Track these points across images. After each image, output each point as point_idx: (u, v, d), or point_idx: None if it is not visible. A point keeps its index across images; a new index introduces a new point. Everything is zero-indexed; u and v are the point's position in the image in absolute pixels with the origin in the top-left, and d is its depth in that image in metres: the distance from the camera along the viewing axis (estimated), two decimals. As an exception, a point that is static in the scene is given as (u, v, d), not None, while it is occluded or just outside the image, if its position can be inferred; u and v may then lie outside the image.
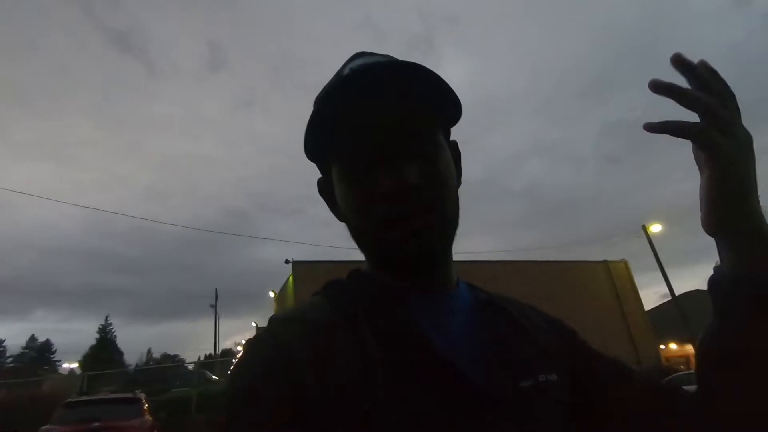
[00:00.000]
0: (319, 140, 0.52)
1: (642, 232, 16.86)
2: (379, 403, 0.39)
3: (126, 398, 7.24)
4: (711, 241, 0.48)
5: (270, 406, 0.39)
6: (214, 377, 17.62)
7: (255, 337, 0.48)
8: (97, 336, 49.64)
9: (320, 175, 0.60)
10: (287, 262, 15.27)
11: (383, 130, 0.49)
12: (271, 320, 0.49)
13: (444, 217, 0.51)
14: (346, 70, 0.53)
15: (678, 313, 17.50)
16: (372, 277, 0.55)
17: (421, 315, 0.49)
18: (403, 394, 0.41)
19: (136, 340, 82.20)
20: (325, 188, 0.59)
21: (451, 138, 0.59)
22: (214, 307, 28.42)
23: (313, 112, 0.50)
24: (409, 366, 0.43)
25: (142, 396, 7.64)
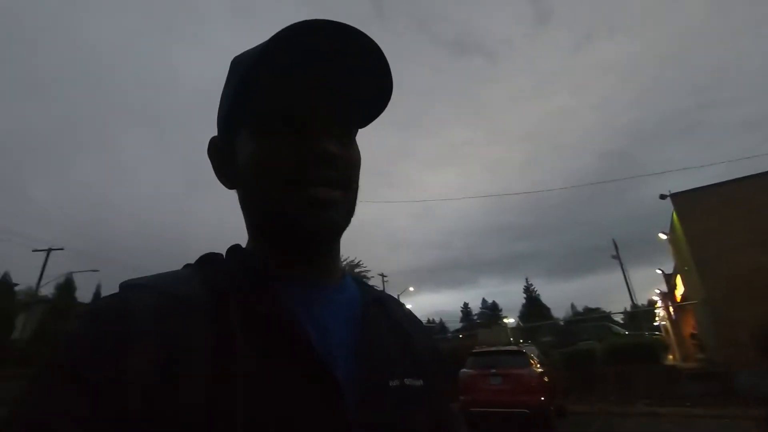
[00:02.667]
0: (249, 84, 0.47)
1: None
2: (224, 391, 0.36)
3: (514, 351, 8.44)
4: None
5: (81, 392, 0.33)
6: (620, 330, 16.98)
7: (99, 301, 0.41)
8: (524, 296, 58.18)
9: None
10: (662, 197, 12.75)
11: (322, 95, 0.48)
12: (121, 286, 0.42)
13: (350, 199, 0.50)
14: (317, 20, 0.44)
15: None
16: (252, 256, 0.51)
17: (298, 301, 0.47)
18: (257, 381, 0.38)
19: (559, 296, 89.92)
20: (218, 147, 0.55)
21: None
22: (617, 258, 27.24)
23: (267, 49, 0.43)
24: (270, 352, 0.40)
25: (528, 350, 8.65)
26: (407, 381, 0.49)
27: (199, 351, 0.38)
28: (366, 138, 0.60)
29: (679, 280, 17.31)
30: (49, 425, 0.32)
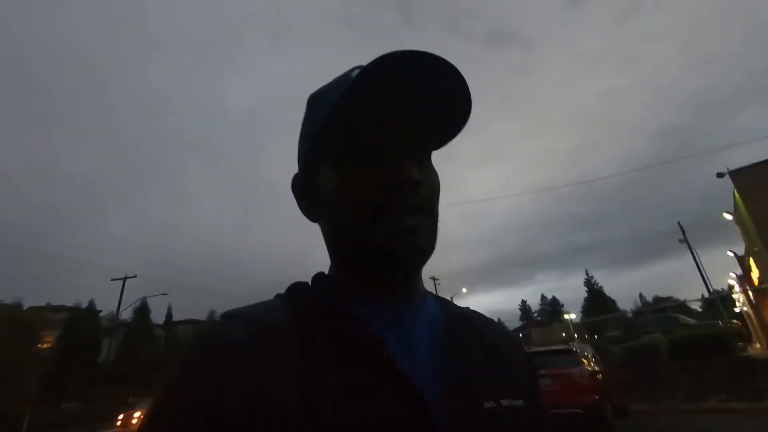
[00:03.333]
0: (335, 116, 0.47)
1: None
2: (323, 416, 0.38)
3: (563, 350, 8.20)
4: None
5: (190, 413, 0.37)
6: (688, 321, 15.74)
7: (204, 333, 0.45)
8: (585, 289, 55.34)
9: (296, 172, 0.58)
10: (720, 175, 11.82)
11: (402, 125, 0.49)
12: (222, 316, 0.47)
13: (433, 225, 0.50)
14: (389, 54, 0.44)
15: None
16: (336, 282, 0.53)
17: (383, 324, 0.47)
18: (351, 406, 0.39)
19: (625, 287, 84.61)
20: (302, 184, 0.57)
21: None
22: (686, 241, 25.38)
23: (349, 87, 0.45)
24: (358, 374, 0.41)
25: (580, 347, 8.38)
26: (504, 402, 0.47)
27: (290, 375, 0.40)
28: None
29: (752, 262, 15.88)
30: None
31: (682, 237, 24.68)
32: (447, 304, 0.57)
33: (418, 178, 0.47)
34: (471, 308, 0.62)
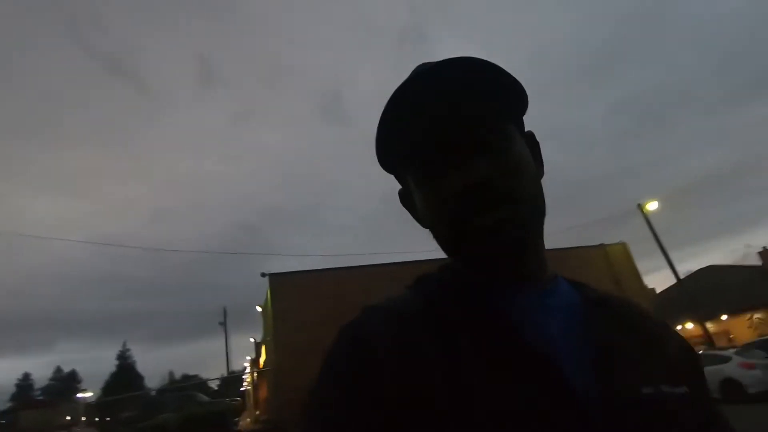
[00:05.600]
0: (388, 151, 0.53)
1: (643, 211, 16.08)
2: (463, 403, 0.38)
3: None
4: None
5: (349, 395, 0.40)
6: (204, 399, 17.34)
7: (349, 324, 0.48)
8: (116, 363, 50.36)
9: (399, 186, 0.60)
10: (263, 275, 14.85)
11: (441, 128, 0.48)
12: (364, 309, 0.49)
13: (520, 208, 0.47)
14: (403, 83, 0.50)
15: (682, 293, 16.72)
16: (460, 271, 0.53)
17: (514, 310, 0.46)
18: (491, 393, 0.38)
19: (160, 363, 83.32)
20: (405, 198, 0.59)
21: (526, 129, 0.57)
22: (224, 324, 28.37)
23: (378, 127, 0.51)
24: (499, 363, 0.41)
25: None
26: (665, 388, 0.43)
27: (431, 359, 0.41)
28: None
29: (264, 348, 19.84)
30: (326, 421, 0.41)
31: (222, 320, 27.95)
32: (584, 288, 0.55)
33: (484, 173, 0.46)
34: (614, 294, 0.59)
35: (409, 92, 0.48)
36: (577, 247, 18.30)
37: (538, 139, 0.58)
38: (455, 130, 0.48)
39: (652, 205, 16.35)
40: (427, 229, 0.55)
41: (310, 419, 0.42)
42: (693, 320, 21.29)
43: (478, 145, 0.48)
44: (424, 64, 0.53)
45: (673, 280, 17.18)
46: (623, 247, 18.93)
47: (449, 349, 0.42)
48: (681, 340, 0.53)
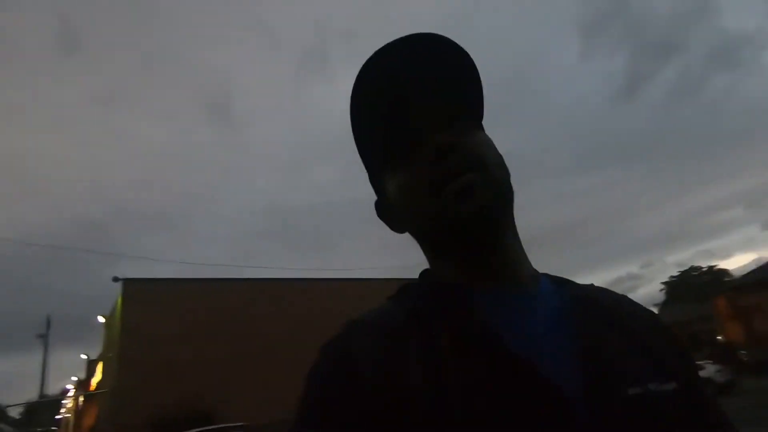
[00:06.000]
0: (365, 149, 0.56)
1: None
2: (447, 417, 0.37)
3: None
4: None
5: (335, 416, 0.40)
6: (8, 429, 14.01)
7: (330, 341, 0.47)
8: None
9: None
10: (116, 279, 12.94)
11: (404, 111, 0.50)
12: (346, 324, 0.49)
13: (493, 174, 0.48)
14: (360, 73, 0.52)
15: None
16: (437, 274, 0.54)
17: (494, 314, 0.45)
18: (476, 404, 0.38)
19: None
20: (381, 208, 0.60)
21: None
22: (44, 337, 23.35)
23: (352, 124, 0.54)
24: (482, 371, 0.40)
25: None
26: (652, 386, 0.42)
27: (413, 373, 0.40)
28: None
29: (100, 366, 17.00)
30: None
31: (44, 332, 23.09)
32: (567, 285, 0.54)
33: (452, 140, 0.47)
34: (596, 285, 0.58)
35: (377, 79, 0.50)
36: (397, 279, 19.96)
37: None
38: (426, 110, 0.50)
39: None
40: (401, 235, 0.57)
41: None
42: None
43: (451, 120, 0.50)
44: (386, 47, 0.51)
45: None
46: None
47: (432, 364, 0.41)
48: (670, 334, 0.53)
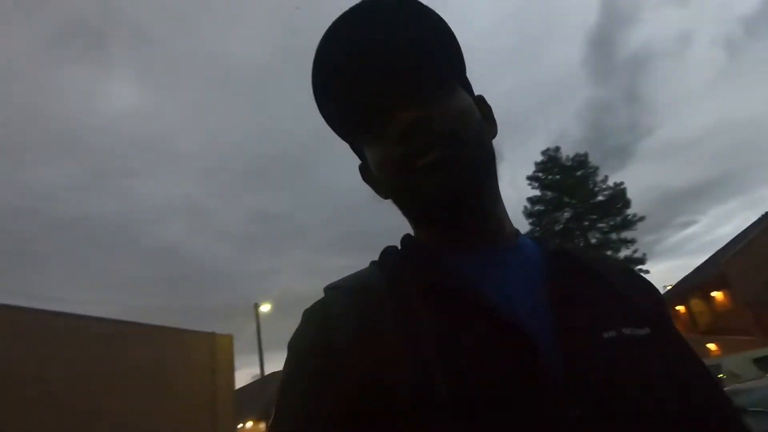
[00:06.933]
0: (334, 121, 0.55)
1: (256, 310, 17.91)
2: (429, 375, 0.37)
3: None
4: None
5: (317, 380, 0.41)
6: None
7: (311, 306, 0.50)
8: None
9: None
10: None
11: (377, 85, 0.48)
12: (324, 289, 0.51)
13: (467, 146, 0.47)
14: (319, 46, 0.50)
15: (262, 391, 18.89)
16: (417, 238, 0.55)
17: (475, 271, 0.47)
18: (450, 357, 0.39)
19: None
20: (365, 171, 0.59)
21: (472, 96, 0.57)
22: None
23: (315, 97, 0.52)
24: (460, 327, 0.41)
25: None
26: (627, 331, 0.43)
27: (389, 335, 0.41)
28: None
29: None
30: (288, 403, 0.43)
31: None
32: (544, 242, 0.55)
33: (415, 116, 0.45)
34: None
35: (336, 55, 0.48)
36: (190, 330, 17.99)
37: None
38: (391, 83, 0.47)
39: (265, 307, 18.73)
40: (389, 200, 0.55)
41: (279, 407, 0.42)
42: (254, 420, 23.82)
43: (418, 92, 0.47)
44: (345, 16, 0.48)
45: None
46: (229, 339, 20.01)
47: (409, 321, 0.41)
48: (646, 283, 0.54)
